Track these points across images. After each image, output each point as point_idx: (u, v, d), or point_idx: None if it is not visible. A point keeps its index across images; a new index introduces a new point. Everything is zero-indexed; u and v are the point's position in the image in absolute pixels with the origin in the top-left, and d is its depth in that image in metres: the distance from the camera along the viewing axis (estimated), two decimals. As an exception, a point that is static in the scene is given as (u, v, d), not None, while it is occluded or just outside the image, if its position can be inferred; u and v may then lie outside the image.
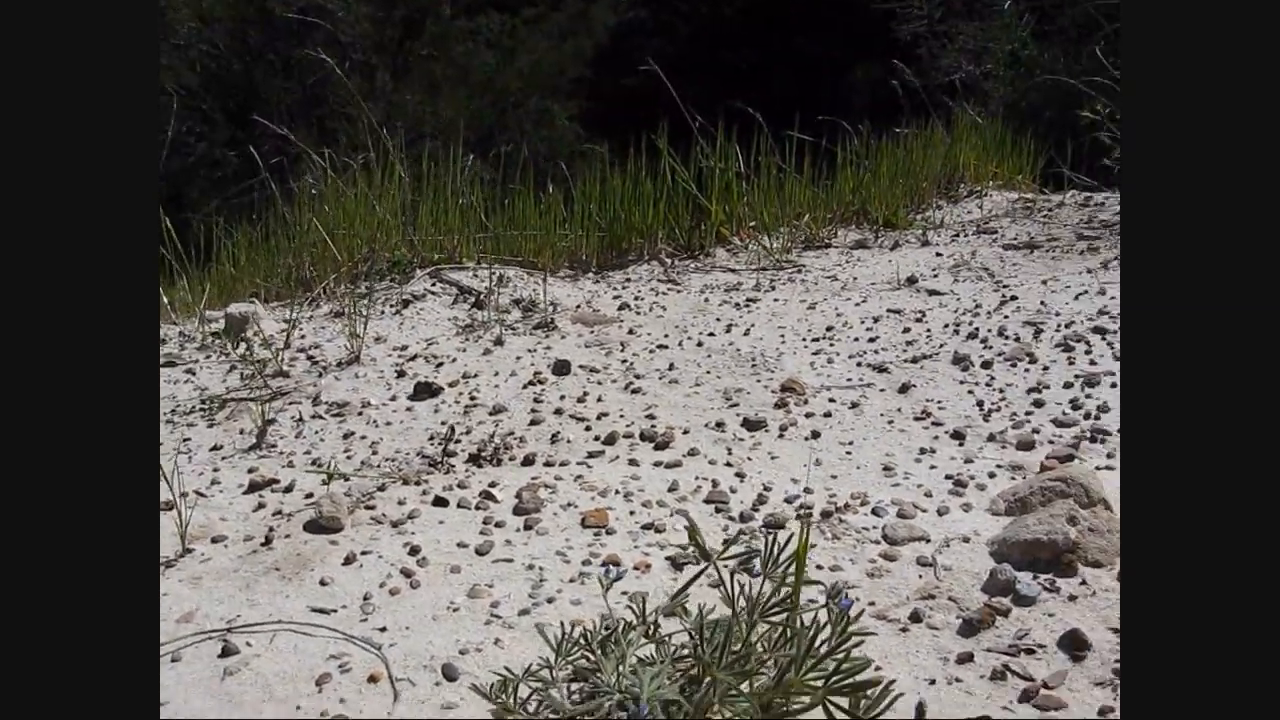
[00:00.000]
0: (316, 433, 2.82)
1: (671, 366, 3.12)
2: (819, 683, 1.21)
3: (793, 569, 1.37)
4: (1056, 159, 5.32)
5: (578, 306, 3.81)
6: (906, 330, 3.29)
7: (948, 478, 2.29)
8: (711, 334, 3.42)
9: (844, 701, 1.21)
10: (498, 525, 2.20)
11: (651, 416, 2.75)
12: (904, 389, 2.82)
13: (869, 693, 1.23)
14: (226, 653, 1.77)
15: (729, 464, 2.45)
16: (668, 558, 2.02)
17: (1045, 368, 2.84)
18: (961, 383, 2.83)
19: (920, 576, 1.90)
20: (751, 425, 2.65)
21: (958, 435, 2.52)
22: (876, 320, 3.42)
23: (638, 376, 3.06)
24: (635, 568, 1.98)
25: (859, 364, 3.04)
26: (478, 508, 2.29)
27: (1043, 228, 4.64)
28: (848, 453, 2.48)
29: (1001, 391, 2.74)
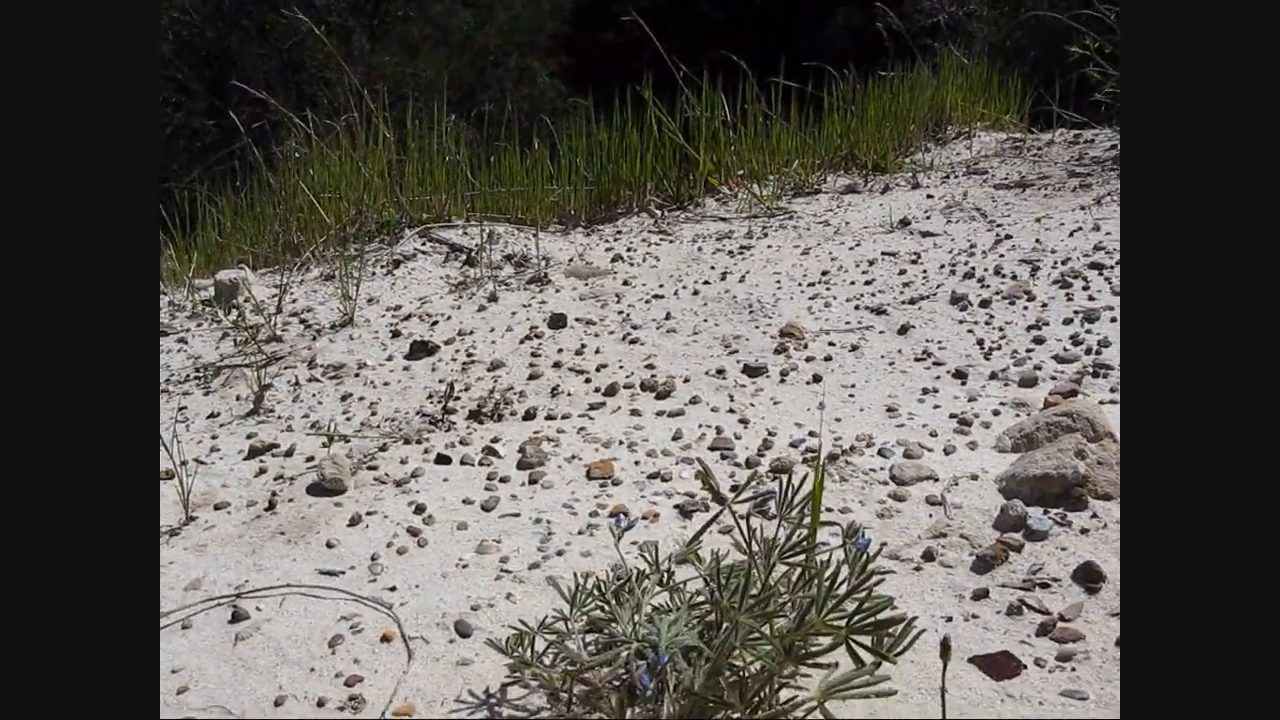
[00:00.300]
0: (314, 396, 2.79)
1: (668, 316, 3.10)
2: (841, 623, 1.20)
3: (807, 510, 1.36)
4: (1045, 96, 5.27)
5: (570, 260, 3.78)
6: (902, 272, 3.27)
7: (952, 417, 2.28)
8: (706, 282, 3.39)
9: (867, 640, 1.20)
10: (502, 480, 2.19)
11: (651, 366, 2.74)
12: (903, 330, 2.80)
13: (891, 630, 1.21)
14: (237, 618, 1.76)
15: (732, 411, 2.43)
16: (676, 506, 2.01)
17: (1044, 305, 2.83)
18: (960, 322, 2.81)
19: (930, 515, 1.89)
20: (752, 371, 2.64)
21: (960, 374, 2.51)
22: (872, 263, 3.40)
23: (635, 327, 3.04)
24: (643, 517, 1.97)
25: (857, 307, 3.02)
26: (481, 464, 2.27)
27: (1033, 166, 4.61)
28: (850, 395, 2.46)
29: (1001, 330, 2.72)
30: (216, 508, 2.20)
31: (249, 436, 2.55)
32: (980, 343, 2.66)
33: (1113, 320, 2.65)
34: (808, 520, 1.35)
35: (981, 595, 1.65)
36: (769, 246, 3.76)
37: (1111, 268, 2.96)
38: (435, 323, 3.25)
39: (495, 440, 2.37)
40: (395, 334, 3.18)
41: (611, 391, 2.60)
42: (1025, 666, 1.47)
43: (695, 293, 3.30)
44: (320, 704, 1.52)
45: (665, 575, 1.50)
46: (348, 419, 2.62)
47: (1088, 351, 2.52)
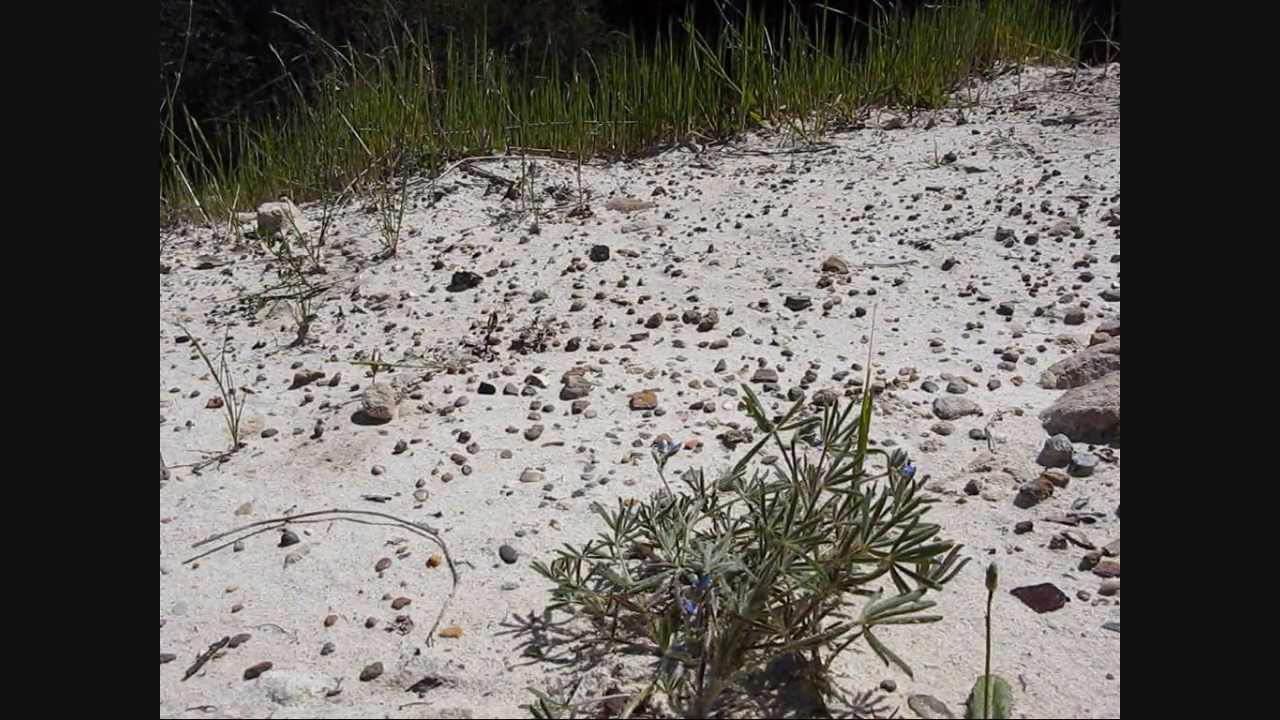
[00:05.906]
0: (357, 326, 2.81)
1: (711, 249, 3.09)
2: (886, 549, 1.20)
3: (852, 439, 1.36)
4: (1099, 28, 5.14)
5: (611, 193, 3.76)
6: (947, 208, 3.23)
7: (996, 352, 2.27)
8: (749, 216, 3.37)
9: (911, 567, 1.20)
10: (545, 410, 2.20)
11: (694, 298, 2.73)
12: (948, 266, 2.77)
13: (936, 559, 1.21)
14: (286, 542, 1.79)
15: (775, 343, 2.43)
16: (719, 436, 2.01)
17: (1092, 241, 2.79)
18: (1006, 258, 2.78)
19: (974, 449, 1.88)
20: (795, 304, 2.62)
21: (1004, 310, 2.48)
22: (916, 199, 3.36)
23: (677, 260, 3.03)
24: (686, 447, 1.98)
25: (900, 242, 2.99)
26: (524, 393, 2.29)
27: (1083, 102, 4.52)
28: (894, 329, 2.45)
29: (1047, 266, 2.69)
30: (264, 435, 2.23)
31: (294, 366, 2.58)
32: (1026, 279, 2.63)
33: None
34: (853, 449, 1.34)
35: (1025, 529, 1.64)
36: (812, 181, 3.72)
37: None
38: (477, 254, 3.25)
39: (538, 370, 2.38)
40: (437, 265, 3.19)
41: (654, 323, 2.60)
42: (1068, 599, 1.47)
43: (738, 226, 3.28)
44: (369, 625, 1.55)
45: (709, 502, 1.51)
46: (391, 349, 2.64)
47: (1136, 288, 2.49)
